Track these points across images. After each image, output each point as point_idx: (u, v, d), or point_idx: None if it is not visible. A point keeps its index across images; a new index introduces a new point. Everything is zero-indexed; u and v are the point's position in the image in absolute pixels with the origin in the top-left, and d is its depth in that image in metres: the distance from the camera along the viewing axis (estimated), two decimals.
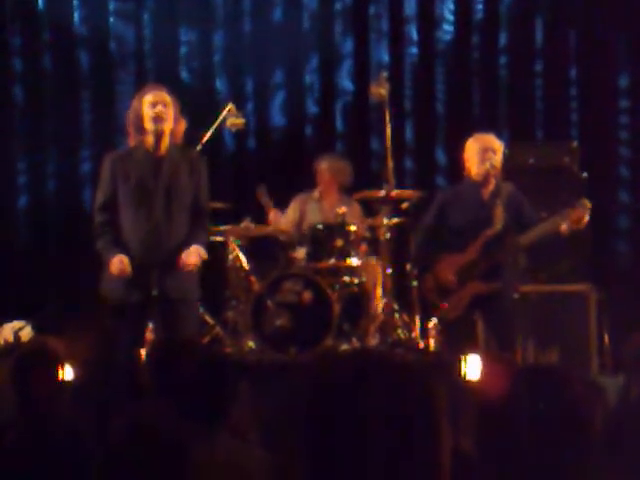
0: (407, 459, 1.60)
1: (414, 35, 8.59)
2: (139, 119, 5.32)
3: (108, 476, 2.45)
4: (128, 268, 5.24)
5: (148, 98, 5.32)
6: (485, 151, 6.06)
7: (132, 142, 5.43)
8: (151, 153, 5.32)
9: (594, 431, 2.19)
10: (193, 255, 5.29)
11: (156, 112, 5.26)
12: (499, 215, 5.99)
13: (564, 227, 5.90)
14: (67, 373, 3.76)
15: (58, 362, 3.55)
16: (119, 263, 5.25)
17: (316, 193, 7.46)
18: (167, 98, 5.34)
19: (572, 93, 8.40)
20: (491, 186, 6.09)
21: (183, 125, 5.52)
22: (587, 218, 5.90)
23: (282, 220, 7.36)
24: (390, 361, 1.68)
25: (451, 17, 8.54)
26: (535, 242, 6.00)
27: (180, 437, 2.67)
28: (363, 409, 1.60)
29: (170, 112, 5.32)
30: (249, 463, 3.01)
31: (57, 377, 3.52)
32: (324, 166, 7.40)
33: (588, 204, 6.00)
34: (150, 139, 5.32)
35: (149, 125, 5.29)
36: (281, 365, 6.30)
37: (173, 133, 5.37)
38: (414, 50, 8.58)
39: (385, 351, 6.33)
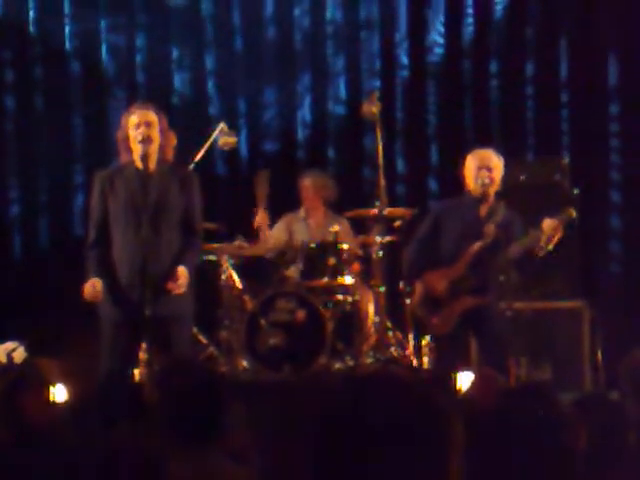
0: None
1: (405, 53, 8.62)
2: (126, 140, 5.35)
3: None
4: (99, 294, 5.25)
5: (133, 119, 5.34)
6: (479, 169, 6.08)
7: (123, 160, 5.44)
8: (140, 170, 5.33)
9: (578, 449, 2.20)
10: (179, 279, 5.26)
11: (140, 134, 5.27)
12: (490, 231, 6.00)
13: (543, 240, 5.89)
14: (60, 394, 3.75)
15: (48, 384, 3.54)
16: (91, 288, 5.26)
17: (302, 212, 7.44)
18: (151, 117, 5.34)
19: (563, 100, 8.41)
20: (489, 203, 6.12)
21: (172, 140, 5.51)
22: (561, 230, 5.87)
23: (269, 239, 7.34)
24: (399, 382, 1.68)
25: (442, 33, 8.57)
26: (517, 257, 5.97)
27: (160, 459, 2.67)
28: (368, 430, 1.60)
29: (155, 132, 5.32)
30: None
31: (47, 399, 3.51)
32: (307, 183, 7.40)
33: (573, 213, 6.00)
34: (138, 159, 5.33)
35: (135, 147, 5.31)
36: (276, 384, 6.30)
37: (161, 150, 5.37)
38: (405, 68, 8.61)
39: (393, 371, 6.33)
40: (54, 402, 3.55)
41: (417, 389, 1.67)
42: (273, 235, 7.36)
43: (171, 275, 5.23)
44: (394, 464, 1.59)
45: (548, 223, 5.86)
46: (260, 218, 7.17)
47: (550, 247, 5.91)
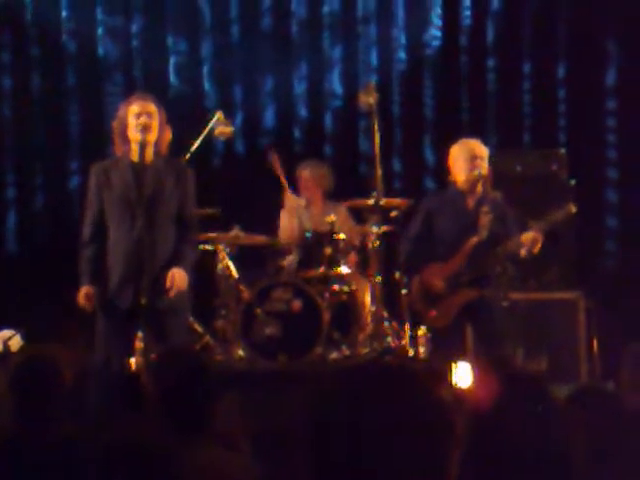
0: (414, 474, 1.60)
1: (402, 41, 8.61)
2: (124, 128, 5.33)
3: None
4: (91, 304, 5.26)
5: (133, 108, 5.32)
6: (474, 159, 6.03)
7: (118, 151, 5.43)
8: (135, 163, 5.32)
9: (576, 444, 2.20)
10: (178, 281, 5.27)
11: (141, 123, 5.26)
12: (485, 222, 5.98)
13: (523, 251, 5.89)
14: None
15: (58, 370, 3.55)
16: (84, 297, 5.28)
17: (303, 200, 7.45)
18: (152, 108, 5.34)
19: (560, 96, 8.43)
20: (477, 194, 6.08)
21: (168, 135, 5.49)
22: (540, 240, 5.86)
23: (283, 230, 7.35)
24: (398, 374, 1.68)
25: (439, 23, 8.57)
26: (512, 251, 5.97)
27: (169, 448, 2.67)
28: (365, 424, 1.60)
29: (155, 122, 5.32)
30: (233, 472, 3.02)
31: (57, 385, 3.52)
32: (306, 174, 7.42)
33: (572, 209, 6.00)
34: (135, 149, 5.32)
35: (133, 135, 5.30)
36: (271, 373, 6.31)
37: (158, 143, 5.36)
38: (402, 56, 8.61)
39: (391, 362, 6.34)
40: (62, 389, 3.55)
41: (417, 381, 1.67)
42: (286, 226, 7.36)
43: (168, 279, 5.23)
44: (392, 457, 1.59)
45: (527, 236, 5.85)
46: (289, 199, 7.29)
47: (532, 253, 5.90)
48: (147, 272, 5.21)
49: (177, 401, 3.13)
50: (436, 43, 8.58)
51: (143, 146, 5.30)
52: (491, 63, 8.50)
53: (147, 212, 5.24)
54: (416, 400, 1.63)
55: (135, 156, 5.33)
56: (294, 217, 7.38)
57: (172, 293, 5.24)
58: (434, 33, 8.57)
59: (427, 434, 1.62)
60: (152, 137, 5.31)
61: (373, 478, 1.59)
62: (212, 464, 2.99)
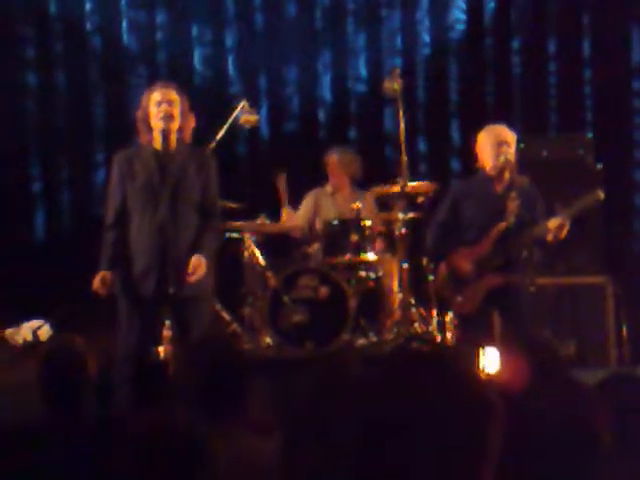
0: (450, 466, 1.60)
1: (426, 25, 8.58)
2: (146, 117, 5.34)
3: (129, 475, 2.47)
4: (105, 289, 5.27)
5: (155, 97, 5.33)
6: (500, 145, 6.01)
7: (142, 140, 5.44)
8: (158, 151, 5.33)
9: (603, 432, 2.19)
10: (195, 271, 5.27)
11: (162, 111, 5.27)
12: (512, 208, 5.96)
13: (550, 237, 5.87)
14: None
15: (85, 359, 3.57)
16: (99, 282, 5.29)
17: (329, 187, 7.46)
18: (174, 96, 5.34)
19: (585, 77, 8.37)
20: (505, 179, 6.06)
21: (192, 122, 5.49)
22: (567, 225, 5.83)
23: (295, 217, 7.36)
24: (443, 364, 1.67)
25: (463, 5, 8.54)
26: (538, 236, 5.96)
27: (198, 437, 2.68)
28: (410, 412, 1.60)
29: (176, 110, 5.32)
30: (265, 459, 3.03)
31: (85, 374, 3.54)
32: (334, 159, 7.41)
33: (601, 195, 5.96)
34: (157, 137, 5.33)
35: (155, 123, 5.31)
36: (299, 360, 6.31)
37: (181, 130, 5.37)
38: (427, 40, 8.58)
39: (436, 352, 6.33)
40: (90, 378, 3.57)
41: (454, 364, 1.66)
42: (300, 215, 7.37)
43: (188, 265, 5.24)
44: (432, 439, 1.59)
45: (553, 222, 5.83)
46: (287, 216, 7.25)
47: (558, 239, 5.88)
48: (170, 259, 5.23)
49: (210, 389, 3.14)
50: (460, 26, 8.54)
51: (165, 134, 5.31)
52: (516, 45, 8.46)
53: (170, 199, 5.26)
54: (455, 382, 1.63)
55: (158, 144, 5.34)
56: (313, 207, 7.37)
57: (192, 279, 5.25)
58: (458, 16, 8.54)
59: (467, 415, 1.61)
60: (174, 125, 5.32)
61: (414, 458, 1.59)
62: (244, 452, 3.00)
